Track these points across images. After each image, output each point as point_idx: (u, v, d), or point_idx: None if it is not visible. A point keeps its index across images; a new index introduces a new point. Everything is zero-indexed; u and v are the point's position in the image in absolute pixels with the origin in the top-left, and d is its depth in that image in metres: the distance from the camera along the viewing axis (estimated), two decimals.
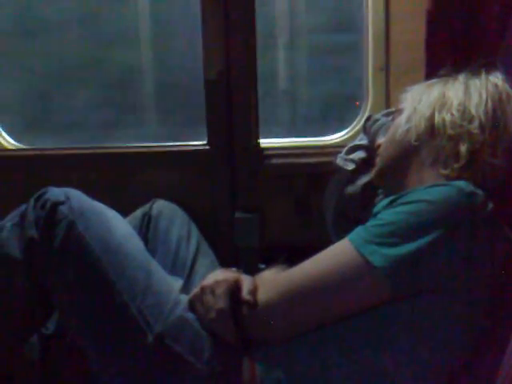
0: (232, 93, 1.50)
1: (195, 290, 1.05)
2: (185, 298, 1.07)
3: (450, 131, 1.07)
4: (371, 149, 1.33)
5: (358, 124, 1.60)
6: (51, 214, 1.09)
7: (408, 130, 1.11)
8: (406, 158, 1.12)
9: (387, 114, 1.37)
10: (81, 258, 1.08)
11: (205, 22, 1.48)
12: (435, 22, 1.29)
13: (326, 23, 1.90)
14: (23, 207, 1.15)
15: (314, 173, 1.54)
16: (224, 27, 1.47)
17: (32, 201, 1.13)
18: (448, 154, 1.07)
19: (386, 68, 1.57)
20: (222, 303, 0.99)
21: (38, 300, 1.14)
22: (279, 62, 1.99)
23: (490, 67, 1.12)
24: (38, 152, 1.68)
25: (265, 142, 1.58)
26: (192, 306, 1.05)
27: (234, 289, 1.01)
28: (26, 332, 1.22)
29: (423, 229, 0.94)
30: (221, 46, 1.48)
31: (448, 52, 1.29)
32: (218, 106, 1.51)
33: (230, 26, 1.47)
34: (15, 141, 1.74)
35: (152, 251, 1.29)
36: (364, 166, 1.34)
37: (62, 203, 1.10)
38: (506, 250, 1.00)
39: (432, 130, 1.09)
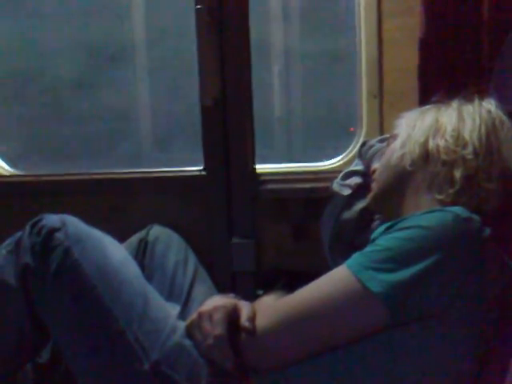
0: (228, 119, 1.51)
1: (193, 316, 1.04)
2: (182, 325, 1.06)
3: (444, 157, 1.08)
4: (367, 174, 1.34)
5: (353, 150, 1.61)
6: (47, 241, 1.09)
7: (402, 156, 1.12)
8: (401, 183, 1.13)
9: (382, 140, 1.38)
10: (77, 284, 1.07)
11: (201, 49, 1.49)
12: (428, 50, 1.31)
13: (320, 51, 1.93)
14: (19, 234, 1.15)
15: (311, 198, 1.54)
16: (220, 54, 1.49)
17: (28, 227, 1.13)
18: (443, 180, 1.07)
19: (379, 95, 1.59)
20: (219, 329, 0.98)
21: (32, 327, 1.12)
22: (274, 89, 2.01)
23: (482, 93, 1.14)
24: (33, 178, 1.68)
25: (261, 168, 1.59)
26: (189, 333, 1.03)
27: (232, 315, 1.00)
28: (20, 360, 1.20)
29: (420, 254, 0.94)
30: (217, 73, 1.49)
31: (441, 79, 1.30)
32: (215, 131, 1.52)
33: (225, 53, 1.49)
34: (11, 167, 1.74)
35: (148, 277, 1.29)
36: (360, 191, 1.34)
37: (58, 230, 1.10)
38: (503, 274, 1.00)
39: (426, 156, 1.10)
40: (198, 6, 1.47)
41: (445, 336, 0.94)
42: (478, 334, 0.97)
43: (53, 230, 1.10)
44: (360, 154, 1.42)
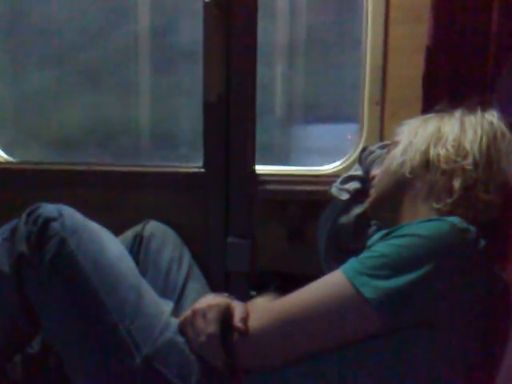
0: (230, 117, 1.51)
1: (186, 312, 1.04)
2: (175, 321, 1.06)
3: (444, 166, 1.08)
4: (366, 179, 1.34)
5: (352, 155, 1.62)
6: (43, 230, 1.09)
7: (403, 163, 1.13)
8: (399, 190, 1.13)
9: (382, 146, 1.38)
10: (71, 275, 1.07)
11: (206, 45, 1.48)
12: (434, 58, 1.30)
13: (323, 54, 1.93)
14: (15, 222, 1.14)
15: (308, 201, 1.54)
16: (225, 50, 1.48)
17: (24, 216, 1.13)
18: (441, 189, 1.08)
19: (381, 102, 1.59)
20: (212, 328, 0.98)
21: (24, 316, 1.12)
22: (277, 89, 2.01)
23: (485, 105, 1.14)
24: (30, 166, 1.67)
25: (260, 169, 1.58)
26: (182, 329, 1.04)
27: (226, 314, 1.00)
28: (10, 350, 1.20)
29: (415, 262, 0.94)
30: (222, 70, 1.49)
31: (445, 88, 1.30)
32: (216, 129, 1.52)
33: (231, 50, 1.48)
34: (7, 155, 1.73)
35: (142, 273, 1.28)
36: (358, 196, 1.34)
37: (55, 219, 1.10)
38: (496, 286, 1.00)
39: (426, 164, 1.10)
40: (207, 0, 1.46)
41: (437, 344, 0.94)
42: (471, 343, 0.97)
43: (49, 220, 1.09)
44: (360, 160, 1.42)
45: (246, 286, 1.51)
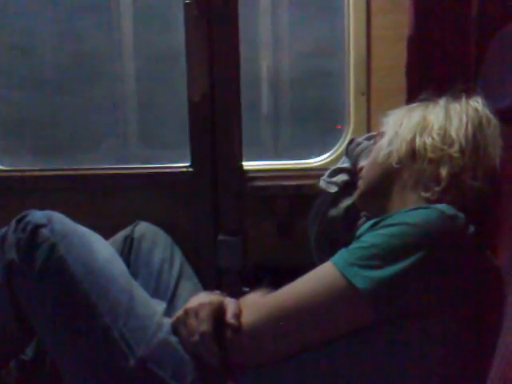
0: (216, 115, 1.51)
1: (179, 312, 1.04)
2: (168, 322, 1.06)
3: (430, 155, 1.08)
4: (354, 172, 1.34)
5: (340, 147, 1.62)
6: (32, 237, 1.08)
7: (389, 153, 1.13)
8: (387, 180, 1.13)
9: (369, 138, 1.39)
10: (62, 281, 1.06)
11: (189, 44, 1.49)
12: (416, 47, 1.31)
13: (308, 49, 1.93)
14: (4, 229, 1.14)
15: (297, 195, 1.54)
16: (208, 49, 1.49)
17: (13, 223, 1.12)
18: (429, 177, 1.08)
19: (367, 92, 1.59)
20: (205, 326, 0.98)
21: (16, 324, 1.12)
22: (262, 86, 2.01)
23: (469, 92, 1.14)
24: (18, 173, 1.66)
25: (248, 165, 1.58)
26: (175, 329, 1.04)
27: (218, 312, 1.00)
28: (5, 357, 1.20)
29: (405, 251, 0.94)
30: (205, 69, 1.49)
31: (429, 77, 1.31)
32: (202, 127, 1.52)
33: (214, 49, 1.49)
34: None
35: (134, 274, 1.28)
36: (347, 188, 1.35)
37: (44, 226, 1.09)
38: (487, 272, 1.00)
39: (413, 154, 1.10)
40: (187, 1, 1.46)
41: (428, 334, 0.94)
42: (464, 331, 0.97)
43: (38, 226, 1.09)
44: (347, 152, 1.42)
45: (239, 283, 1.52)
